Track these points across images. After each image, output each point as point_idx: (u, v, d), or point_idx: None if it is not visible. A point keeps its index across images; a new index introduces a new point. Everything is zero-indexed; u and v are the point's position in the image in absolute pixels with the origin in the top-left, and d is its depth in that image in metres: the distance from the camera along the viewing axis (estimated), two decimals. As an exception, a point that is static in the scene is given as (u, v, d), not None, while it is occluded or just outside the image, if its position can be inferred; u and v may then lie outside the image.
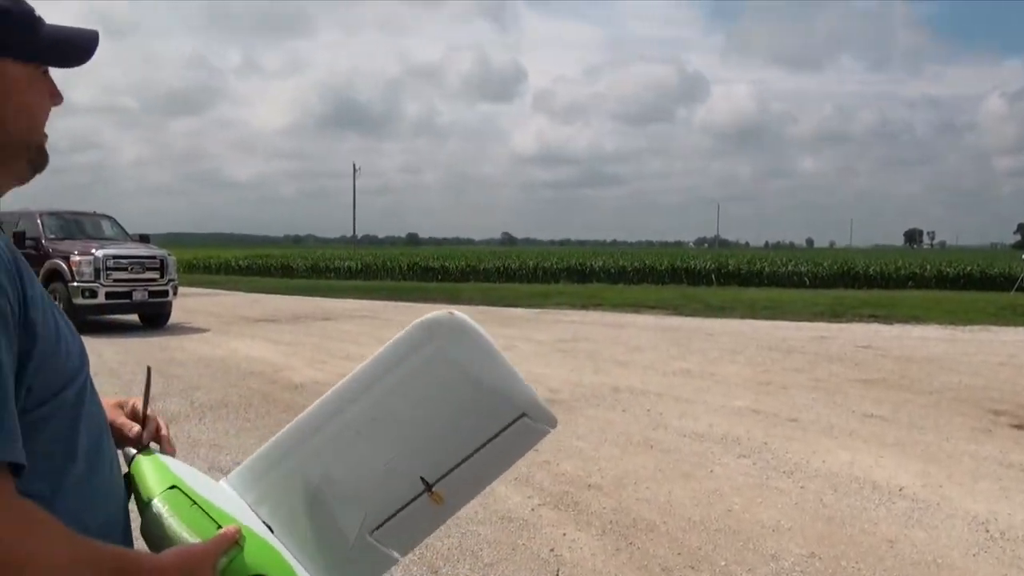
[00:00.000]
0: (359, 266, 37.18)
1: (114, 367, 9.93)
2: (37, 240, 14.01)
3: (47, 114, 1.14)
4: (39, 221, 14.42)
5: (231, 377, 9.33)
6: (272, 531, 1.19)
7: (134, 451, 1.22)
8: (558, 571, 3.99)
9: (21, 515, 0.91)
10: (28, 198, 14.92)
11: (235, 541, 1.06)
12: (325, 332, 14.08)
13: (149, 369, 1.33)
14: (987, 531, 4.53)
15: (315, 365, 10.25)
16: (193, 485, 1.15)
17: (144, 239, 15.94)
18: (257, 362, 10.51)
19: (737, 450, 6.17)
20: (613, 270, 32.87)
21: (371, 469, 1.20)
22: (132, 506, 1.18)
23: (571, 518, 4.70)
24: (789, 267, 31.55)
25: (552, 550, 4.23)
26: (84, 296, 13.35)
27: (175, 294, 14.94)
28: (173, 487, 1.13)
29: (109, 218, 16.19)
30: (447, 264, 35.41)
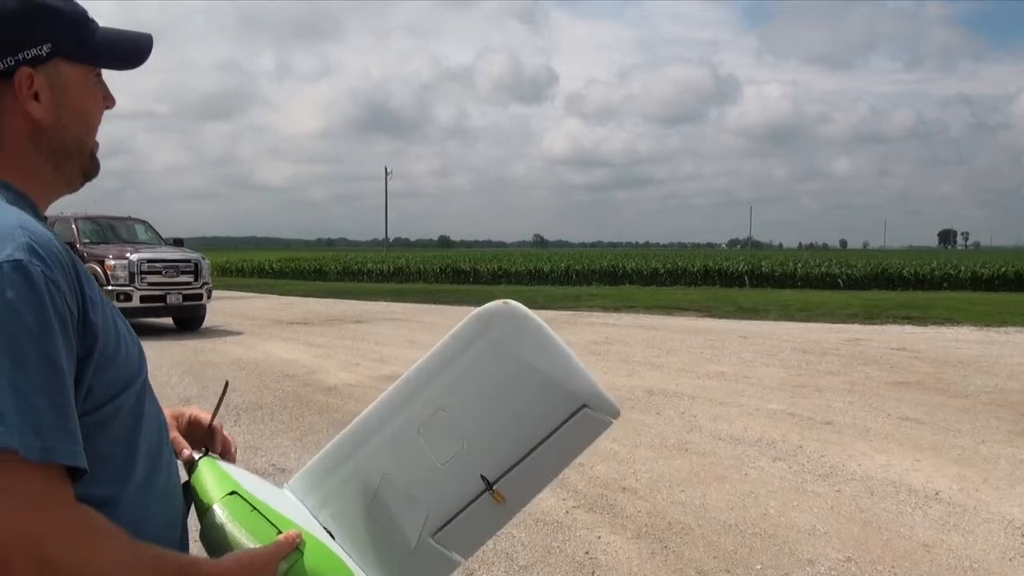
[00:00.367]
0: (391, 269, 37.36)
1: (150, 371, 10.03)
2: (72, 244, 14.17)
3: (100, 119, 1.13)
4: (74, 226, 14.67)
5: (265, 379, 9.42)
6: (333, 536, 1.18)
7: (197, 456, 1.21)
8: (593, 574, 3.99)
9: (81, 521, 0.89)
10: (61, 203, 15.11)
11: (295, 546, 1.04)
12: (358, 335, 14.14)
13: (227, 383, 1.34)
14: (1027, 536, 4.47)
15: (348, 368, 10.31)
16: (253, 491, 1.13)
17: (178, 243, 16.12)
18: (291, 364, 10.60)
19: (772, 453, 6.13)
20: (645, 272, 32.77)
21: (431, 469, 1.17)
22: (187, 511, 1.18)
23: (606, 521, 4.70)
24: (822, 268, 31.23)
25: (587, 553, 4.23)
26: (119, 300, 13.46)
27: (209, 297, 15.08)
28: (233, 492, 1.11)
29: (143, 222, 16.38)
30: (479, 267, 35.52)
